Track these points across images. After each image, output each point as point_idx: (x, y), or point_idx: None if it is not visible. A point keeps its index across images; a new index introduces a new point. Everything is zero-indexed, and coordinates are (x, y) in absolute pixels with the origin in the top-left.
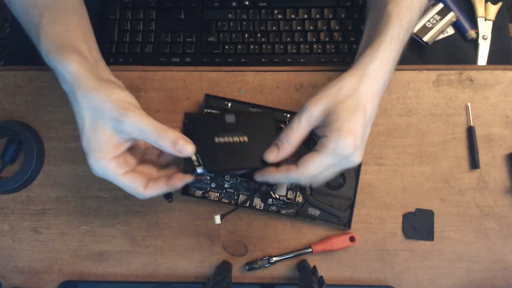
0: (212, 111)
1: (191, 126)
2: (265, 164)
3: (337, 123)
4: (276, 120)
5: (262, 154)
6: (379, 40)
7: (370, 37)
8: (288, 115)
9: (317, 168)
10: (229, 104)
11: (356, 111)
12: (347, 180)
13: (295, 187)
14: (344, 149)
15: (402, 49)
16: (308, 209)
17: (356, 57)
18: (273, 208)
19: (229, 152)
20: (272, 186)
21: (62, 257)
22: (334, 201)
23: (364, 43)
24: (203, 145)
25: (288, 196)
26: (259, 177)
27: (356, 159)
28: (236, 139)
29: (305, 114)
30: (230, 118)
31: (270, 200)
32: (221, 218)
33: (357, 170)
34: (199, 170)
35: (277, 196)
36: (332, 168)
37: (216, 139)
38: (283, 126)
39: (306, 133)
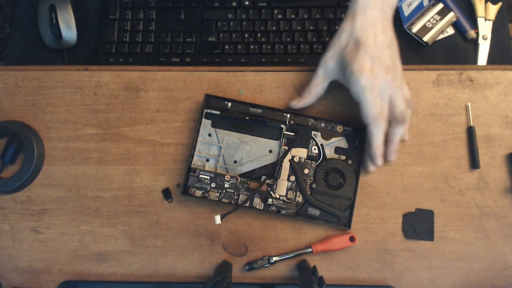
0: (213, 111)
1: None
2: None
3: (348, 68)
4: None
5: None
6: None
7: None
8: (288, 115)
9: (374, 107)
10: (229, 104)
11: (358, 48)
12: (347, 180)
13: (295, 187)
14: (365, 84)
15: None
16: (308, 209)
17: None
18: (273, 208)
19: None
20: (273, 186)
21: (62, 257)
22: (334, 201)
23: None
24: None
25: (288, 196)
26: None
27: (394, 81)
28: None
29: (320, 67)
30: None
31: (270, 200)
32: (221, 218)
33: (357, 170)
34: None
35: (277, 196)
36: (386, 96)
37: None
38: (283, 126)
39: (324, 85)
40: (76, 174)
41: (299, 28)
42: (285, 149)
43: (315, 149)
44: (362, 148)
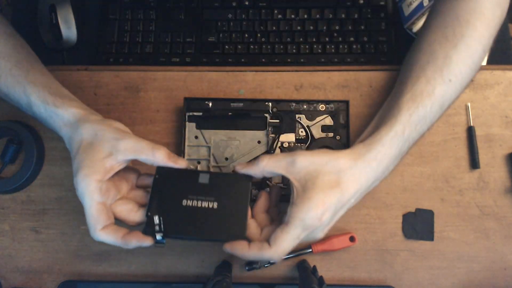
0: (195, 113)
1: (161, 182)
2: (228, 236)
3: (311, 191)
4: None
5: (230, 226)
6: (383, 132)
7: (379, 122)
8: (270, 104)
9: (289, 243)
10: (210, 104)
11: (335, 188)
12: None
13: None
14: (313, 221)
15: (407, 147)
16: None
17: (362, 134)
18: None
19: (194, 219)
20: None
21: (62, 257)
22: None
23: (373, 125)
24: (169, 207)
25: (285, 183)
26: (228, 248)
27: (318, 235)
28: (205, 204)
29: (289, 158)
30: (203, 178)
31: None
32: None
33: (346, 144)
34: (158, 237)
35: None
36: (298, 241)
37: (184, 202)
38: (266, 115)
39: (278, 172)
40: None
41: (299, 28)
42: (273, 137)
43: (302, 131)
44: (348, 122)
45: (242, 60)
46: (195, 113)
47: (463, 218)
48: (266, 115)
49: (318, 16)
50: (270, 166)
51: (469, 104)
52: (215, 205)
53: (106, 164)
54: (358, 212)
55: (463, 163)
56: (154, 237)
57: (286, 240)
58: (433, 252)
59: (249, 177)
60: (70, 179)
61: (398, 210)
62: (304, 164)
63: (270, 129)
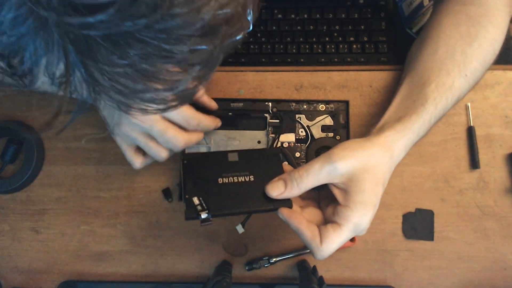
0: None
1: (191, 166)
2: (275, 204)
3: (363, 194)
4: (283, 154)
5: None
6: (412, 121)
7: (402, 108)
8: (270, 104)
9: (339, 244)
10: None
11: (378, 184)
12: None
13: None
14: (366, 222)
15: (427, 133)
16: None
17: (383, 118)
18: None
19: (235, 194)
20: None
21: (62, 257)
22: None
23: (394, 109)
24: (207, 187)
25: None
26: (285, 216)
27: (365, 231)
28: (241, 178)
29: (328, 166)
30: (233, 157)
31: None
32: (243, 226)
33: None
34: (203, 215)
35: None
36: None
37: (220, 180)
38: (266, 115)
39: (320, 183)
40: (76, 174)
41: (299, 28)
42: (273, 137)
43: (302, 131)
44: (348, 122)
45: (242, 60)
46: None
47: (463, 218)
48: (266, 115)
49: (318, 16)
50: (310, 183)
51: (469, 104)
52: (252, 178)
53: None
54: None
55: (463, 163)
56: (199, 217)
57: (338, 242)
58: (433, 252)
59: (277, 150)
60: (70, 179)
61: (398, 210)
62: (346, 168)
63: (270, 129)
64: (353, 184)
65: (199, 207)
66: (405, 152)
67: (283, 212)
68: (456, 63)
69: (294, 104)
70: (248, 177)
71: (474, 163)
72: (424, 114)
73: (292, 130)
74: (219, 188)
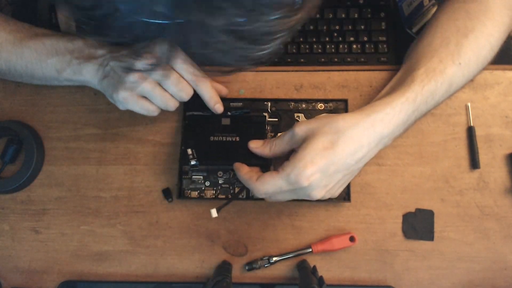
0: (194, 112)
1: (192, 124)
2: (251, 164)
3: (304, 151)
4: (268, 119)
5: (249, 155)
6: (394, 96)
7: (388, 91)
8: (269, 103)
9: (271, 188)
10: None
11: (328, 149)
12: None
13: None
14: (298, 178)
15: (415, 116)
16: None
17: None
18: None
19: (221, 150)
20: None
21: (62, 257)
22: None
23: (381, 95)
24: (200, 142)
25: None
26: (236, 167)
27: (313, 194)
28: (229, 138)
29: (289, 133)
30: (225, 121)
31: None
32: (218, 211)
33: None
34: (193, 162)
35: None
36: (289, 193)
37: (212, 138)
38: (265, 114)
39: (285, 149)
40: (76, 174)
41: (298, 28)
42: (271, 136)
43: None
44: None
45: None
46: (194, 113)
47: (463, 218)
48: (265, 114)
49: (318, 16)
50: (276, 149)
51: (469, 104)
52: (238, 139)
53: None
54: (358, 212)
55: (463, 163)
56: (189, 164)
57: (268, 184)
58: (433, 252)
59: (263, 117)
60: (70, 179)
61: (398, 210)
62: (303, 132)
63: (269, 128)
64: (303, 144)
65: (190, 156)
66: (384, 127)
67: (236, 164)
68: (449, 52)
69: (293, 103)
70: (235, 138)
71: (474, 163)
72: (408, 93)
73: None
74: (210, 144)
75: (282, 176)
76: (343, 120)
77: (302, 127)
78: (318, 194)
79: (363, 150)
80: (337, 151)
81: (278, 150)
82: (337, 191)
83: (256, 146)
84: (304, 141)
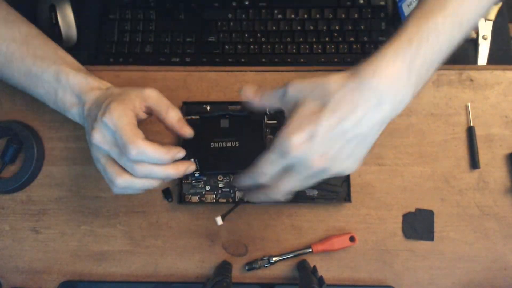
0: (193, 117)
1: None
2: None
3: (291, 119)
4: (267, 121)
5: (250, 159)
6: (386, 46)
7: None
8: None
9: (265, 165)
10: (208, 107)
11: (317, 113)
12: None
13: None
14: (287, 147)
15: (420, 64)
16: (306, 190)
17: None
18: None
19: (222, 157)
20: None
21: (62, 257)
22: (329, 178)
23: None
24: (201, 150)
25: None
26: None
27: (314, 165)
28: (228, 144)
29: (282, 89)
30: (224, 123)
31: None
32: (223, 219)
33: None
34: (196, 174)
35: None
36: (291, 175)
37: (212, 145)
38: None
39: (274, 105)
40: (76, 174)
41: (299, 28)
42: (270, 138)
43: None
44: None
45: (242, 60)
46: (193, 117)
47: (463, 218)
48: (263, 116)
49: (318, 16)
50: (266, 101)
51: (469, 104)
52: (237, 143)
53: (135, 103)
54: (358, 212)
55: (463, 163)
56: (193, 176)
57: (264, 162)
58: (433, 252)
59: (261, 116)
60: (70, 179)
61: (398, 210)
62: (294, 93)
63: (267, 130)
64: (292, 112)
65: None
66: (380, 82)
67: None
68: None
69: None
70: (234, 143)
71: (474, 163)
72: (402, 37)
73: None
74: (211, 152)
75: (272, 149)
76: (333, 81)
77: (295, 87)
78: (317, 163)
79: (358, 112)
80: (326, 115)
81: (267, 103)
82: (346, 162)
83: (249, 91)
84: (294, 106)
